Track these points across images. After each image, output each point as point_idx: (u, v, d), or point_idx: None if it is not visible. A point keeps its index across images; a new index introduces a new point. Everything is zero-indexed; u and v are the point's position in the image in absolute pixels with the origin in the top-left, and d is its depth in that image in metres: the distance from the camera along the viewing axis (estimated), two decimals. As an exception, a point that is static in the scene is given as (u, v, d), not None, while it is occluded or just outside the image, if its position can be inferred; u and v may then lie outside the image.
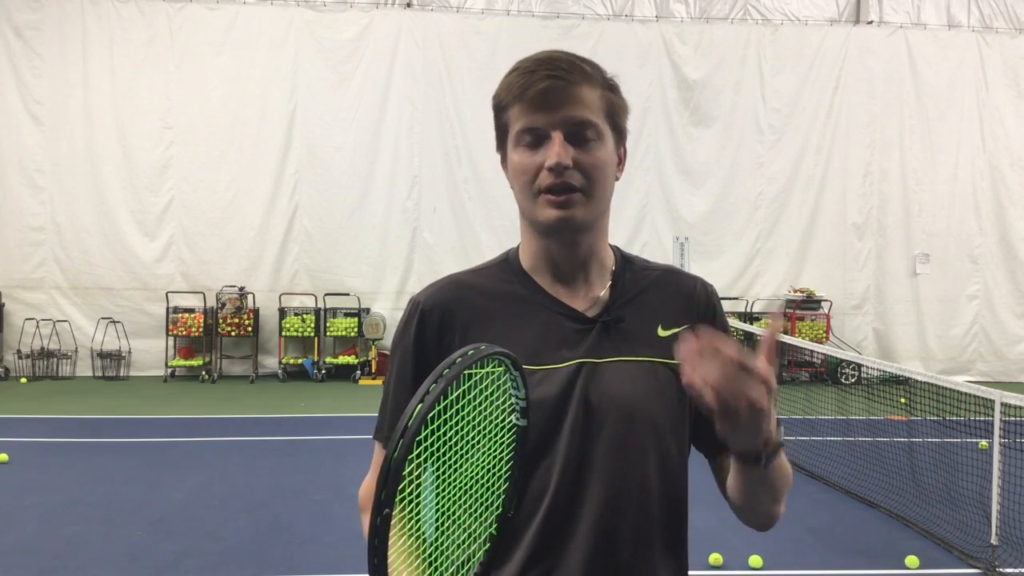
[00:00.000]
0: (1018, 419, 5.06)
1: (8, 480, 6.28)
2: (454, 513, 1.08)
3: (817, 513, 5.82)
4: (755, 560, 4.74)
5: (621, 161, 1.37)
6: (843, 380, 11.25)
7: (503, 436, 1.13)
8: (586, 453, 1.28)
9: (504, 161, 1.38)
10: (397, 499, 0.92)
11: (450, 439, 1.03)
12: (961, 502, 5.44)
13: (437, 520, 1.07)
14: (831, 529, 5.50)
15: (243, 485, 6.17)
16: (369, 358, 11.32)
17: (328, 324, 11.35)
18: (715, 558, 4.74)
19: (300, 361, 11.34)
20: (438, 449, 1.01)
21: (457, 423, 1.03)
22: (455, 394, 1.01)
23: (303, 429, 8.30)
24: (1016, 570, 4.67)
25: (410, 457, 0.93)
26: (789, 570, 4.80)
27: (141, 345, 11.29)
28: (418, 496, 1.02)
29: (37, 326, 11.17)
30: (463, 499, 1.09)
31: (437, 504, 1.06)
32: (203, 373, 11.04)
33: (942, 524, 5.34)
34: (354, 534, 5.03)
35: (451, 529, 1.08)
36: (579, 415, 1.28)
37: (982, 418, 5.55)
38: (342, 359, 11.28)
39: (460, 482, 1.08)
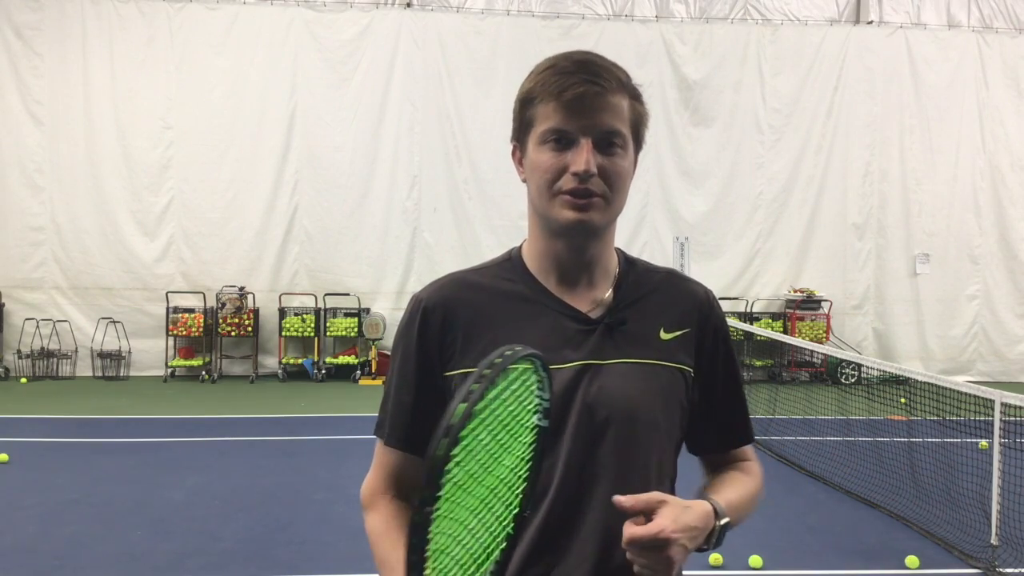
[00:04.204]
0: (1018, 419, 5.06)
1: (8, 480, 6.28)
2: (479, 512, 1.09)
3: (817, 513, 5.82)
4: (755, 560, 4.75)
5: (633, 167, 1.37)
6: (843, 380, 11.25)
7: (526, 436, 1.14)
8: (589, 454, 1.29)
9: (516, 152, 1.38)
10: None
11: (483, 439, 1.04)
12: (961, 502, 5.44)
13: (466, 518, 1.08)
14: (831, 529, 5.51)
15: (243, 485, 6.17)
16: (369, 358, 11.32)
17: (328, 324, 11.35)
18: (715, 558, 4.74)
19: (300, 361, 11.34)
20: (473, 448, 1.02)
21: (491, 423, 1.05)
22: (491, 394, 1.03)
23: (303, 429, 8.30)
24: (1016, 570, 4.68)
25: (454, 452, 0.95)
26: (789, 570, 4.81)
27: (141, 345, 11.28)
28: (455, 493, 1.03)
29: (37, 326, 11.17)
30: (488, 498, 1.10)
31: (467, 502, 1.08)
32: (203, 373, 11.04)
33: (942, 524, 5.34)
34: (354, 533, 5.03)
35: (475, 527, 1.09)
36: (582, 416, 1.29)
37: (982, 418, 5.55)
38: (342, 359, 11.28)
39: (487, 482, 1.09)
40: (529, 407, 1.13)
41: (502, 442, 1.09)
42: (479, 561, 1.10)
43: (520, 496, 1.16)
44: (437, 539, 1.03)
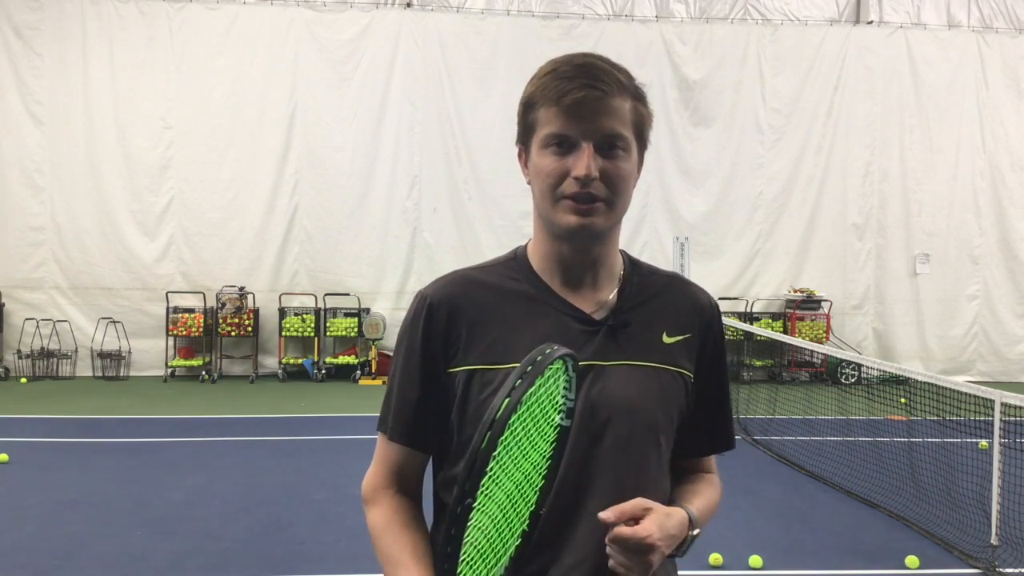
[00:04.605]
0: (1018, 419, 5.06)
1: (8, 480, 6.28)
2: (506, 507, 1.10)
3: (817, 513, 5.82)
4: (755, 560, 4.74)
5: (638, 168, 1.40)
6: (843, 380, 11.25)
7: (551, 434, 1.16)
8: (589, 454, 1.30)
9: (522, 156, 1.39)
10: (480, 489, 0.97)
11: (519, 435, 1.06)
12: (961, 502, 5.44)
13: (495, 512, 1.09)
14: (831, 529, 5.50)
15: (243, 485, 6.17)
16: (369, 358, 11.32)
17: (328, 324, 11.35)
18: (715, 558, 4.74)
19: (300, 361, 11.34)
20: (510, 444, 1.04)
21: (526, 420, 1.07)
22: (530, 391, 1.05)
23: (303, 429, 8.30)
24: (1016, 570, 4.67)
25: (501, 441, 0.98)
26: (789, 570, 4.80)
27: (141, 345, 11.28)
28: (489, 487, 1.05)
29: (37, 326, 11.17)
30: (514, 494, 1.12)
31: (497, 497, 1.08)
32: (203, 373, 11.04)
33: (942, 524, 5.34)
34: (354, 533, 5.04)
35: (501, 522, 1.10)
36: (584, 416, 1.29)
37: (982, 418, 5.55)
38: (342, 359, 11.28)
39: (516, 477, 1.10)
40: (557, 406, 1.15)
41: (532, 439, 1.11)
42: (499, 555, 1.11)
43: (537, 494, 1.17)
44: (468, 531, 1.05)
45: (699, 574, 4.66)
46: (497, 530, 1.09)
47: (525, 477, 1.12)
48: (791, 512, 5.78)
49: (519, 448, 1.07)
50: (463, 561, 1.02)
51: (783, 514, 5.73)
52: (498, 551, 1.10)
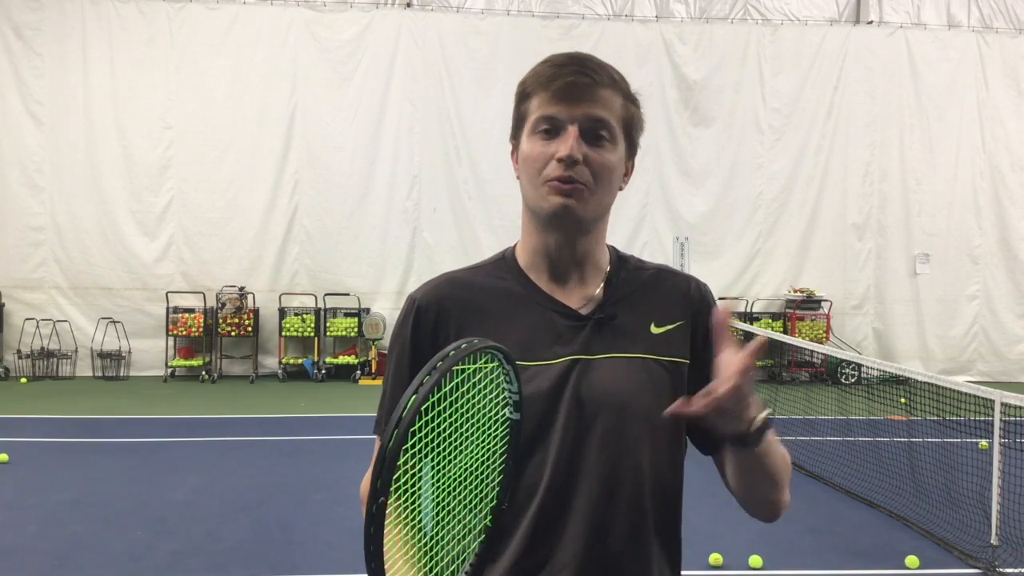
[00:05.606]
0: (1018, 419, 5.06)
1: (8, 480, 6.28)
2: (449, 505, 1.10)
3: (817, 513, 5.82)
4: (755, 560, 4.74)
5: (628, 173, 1.39)
6: (843, 380, 11.25)
7: (497, 429, 1.15)
8: (578, 448, 1.30)
9: (514, 153, 1.40)
10: (393, 489, 0.94)
11: (444, 431, 1.05)
12: (961, 502, 5.44)
13: (433, 512, 1.09)
14: (831, 529, 5.51)
15: (243, 485, 6.17)
16: (369, 358, 11.33)
17: (328, 324, 11.35)
18: (715, 558, 4.75)
19: (300, 361, 11.34)
20: (432, 440, 1.02)
21: (451, 415, 1.05)
22: (449, 387, 1.03)
23: (303, 429, 8.30)
24: (1016, 570, 4.67)
25: (405, 447, 0.94)
26: (789, 570, 4.81)
27: (141, 345, 11.29)
28: (414, 488, 1.04)
29: (37, 326, 11.17)
30: (458, 491, 1.11)
31: (433, 496, 1.08)
32: (203, 373, 11.04)
33: (942, 524, 5.34)
34: (354, 533, 5.03)
35: (447, 520, 1.10)
36: (571, 410, 1.30)
37: (982, 418, 5.56)
38: (342, 359, 11.28)
39: (455, 474, 1.10)
40: (498, 400, 1.14)
41: (468, 435, 1.09)
42: (454, 553, 1.11)
43: (496, 489, 1.16)
44: (400, 532, 1.04)
45: (699, 574, 4.66)
46: (445, 529, 1.10)
47: (471, 474, 1.11)
48: (791, 512, 5.75)
49: (451, 445, 1.06)
50: (430, 569, 1.02)
51: (788, 504, 5.72)
52: (453, 549, 1.11)
